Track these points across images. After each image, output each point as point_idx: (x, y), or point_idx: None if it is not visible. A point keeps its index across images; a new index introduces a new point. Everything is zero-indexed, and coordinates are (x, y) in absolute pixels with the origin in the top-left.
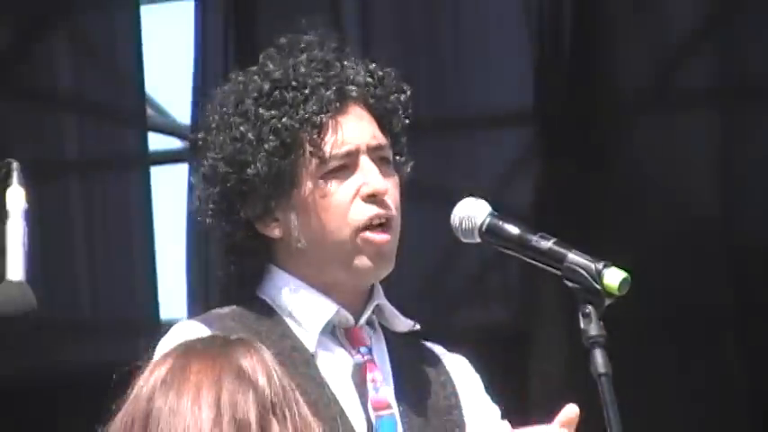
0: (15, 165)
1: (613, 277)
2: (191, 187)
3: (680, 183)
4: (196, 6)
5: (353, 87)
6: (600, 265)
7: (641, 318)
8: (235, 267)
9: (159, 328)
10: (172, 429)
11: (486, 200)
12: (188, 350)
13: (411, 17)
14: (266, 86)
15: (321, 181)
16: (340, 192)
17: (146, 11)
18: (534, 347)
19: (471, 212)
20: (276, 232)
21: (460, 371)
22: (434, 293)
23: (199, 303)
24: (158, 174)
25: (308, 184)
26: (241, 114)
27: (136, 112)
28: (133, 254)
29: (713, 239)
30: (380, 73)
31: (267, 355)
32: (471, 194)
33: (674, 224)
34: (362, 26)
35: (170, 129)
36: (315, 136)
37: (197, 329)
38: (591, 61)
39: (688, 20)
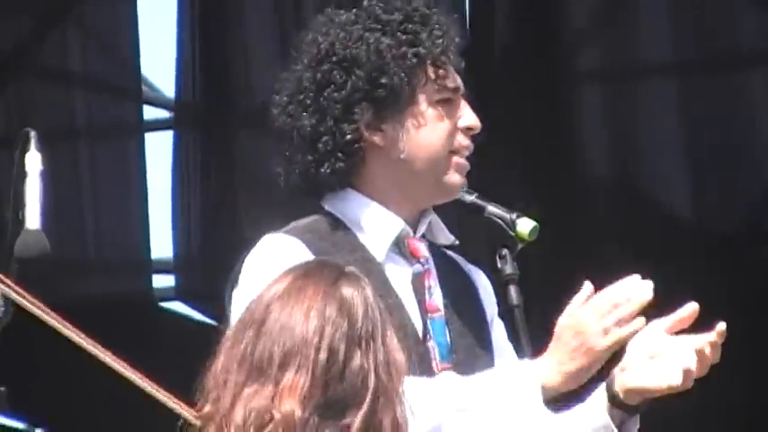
0: (33, 133)
1: (524, 225)
2: (176, 148)
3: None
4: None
5: (459, 42)
6: (513, 216)
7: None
8: (334, 166)
9: (151, 265)
10: (280, 339)
11: None
12: (307, 274)
13: None
14: (399, 17)
15: (432, 106)
16: (447, 118)
17: (141, 1)
18: None
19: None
20: (378, 140)
21: (485, 290)
22: None
23: (180, 246)
24: (151, 139)
25: (423, 105)
26: (380, 31)
27: (133, 88)
28: (130, 205)
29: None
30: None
31: (369, 291)
32: None
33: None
34: None
35: (160, 101)
36: (438, 67)
37: (283, 240)
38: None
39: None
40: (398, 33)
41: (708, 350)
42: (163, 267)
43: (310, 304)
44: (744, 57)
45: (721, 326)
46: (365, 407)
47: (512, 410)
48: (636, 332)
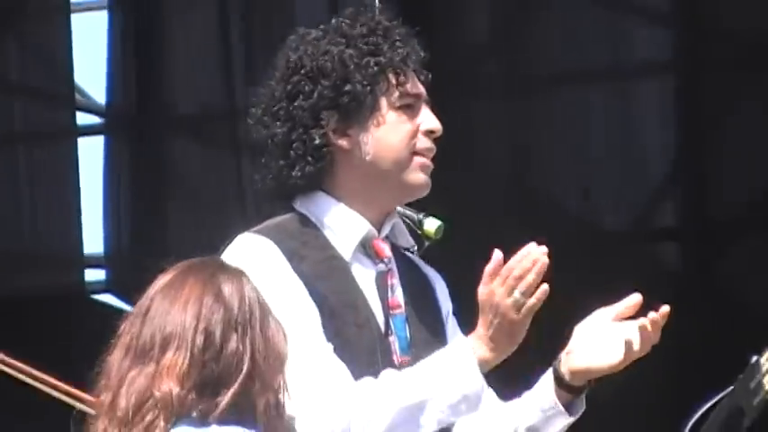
0: None
1: (431, 224)
2: (107, 151)
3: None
4: (109, 15)
5: (419, 52)
6: (420, 215)
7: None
8: (304, 169)
9: (83, 260)
10: (161, 324)
11: None
12: (189, 268)
13: None
14: (363, 30)
15: (394, 111)
16: (408, 122)
17: (75, 18)
18: None
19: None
20: (345, 144)
21: (441, 289)
22: None
23: (111, 242)
24: (83, 143)
25: (385, 110)
26: (344, 44)
27: (67, 95)
28: (64, 204)
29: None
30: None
31: (248, 284)
32: None
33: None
34: None
35: (92, 108)
36: (400, 75)
37: (255, 240)
38: None
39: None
40: (361, 45)
41: (649, 327)
42: (94, 262)
43: (190, 293)
44: (633, 66)
45: (665, 308)
46: (236, 386)
47: (460, 395)
48: (543, 298)
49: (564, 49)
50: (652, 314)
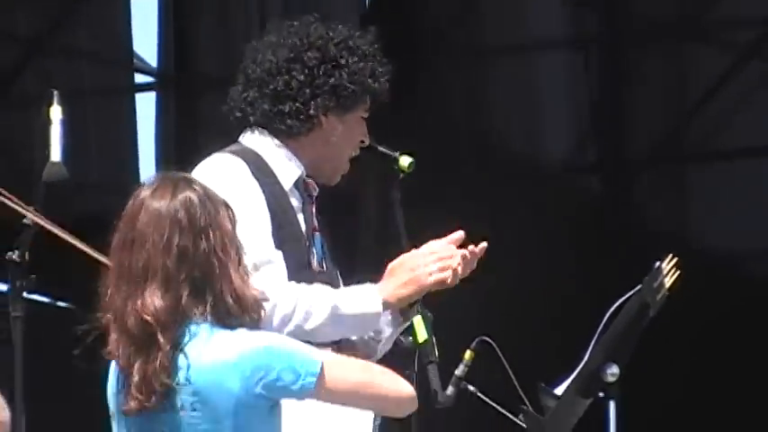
0: (55, 92)
1: (405, 161)
2: (158, 106)
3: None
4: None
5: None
6: (396, 153)
7: None
8: (290, 121)
9: (139, 185)
10: (142, 252)
11: None
12: (155, 189)
13: None
14: (369, 50)
15: (361, 119)
16: (362, 130)
17: None
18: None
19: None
20: (325, 122)
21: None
22: None
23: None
24: (138, 97)
25: (357, 114)
26: (355, 53)
27: (126, 59)
28: (124, 145)
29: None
30: None
31: (197, 189)
32: None
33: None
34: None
35: (145, 69)
36: (375, 97)
37: (231, 158)
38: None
39: None
40: (367, 65)
41: (469, 256)
42: None
43: (158, 219)
44: (565, 40)
45: (483, 244)
46: (216, 284)
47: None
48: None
49: (515, 24)
50: (472, 247)
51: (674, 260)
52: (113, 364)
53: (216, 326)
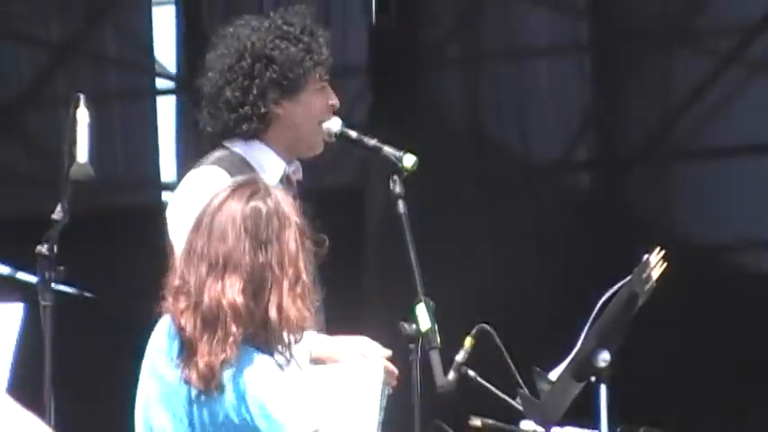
0: (82, 96)
1: (408, 160)
2: (178, 109)
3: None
4: (176, 9)
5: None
6: (400, 153)
7: None
8: (251, 125)
9: (160, 183)
10: (220, 246)
11: (341, 117)
12: (233, 191)
13: None
14: (298, 30)
15: (315, 92)
16: (322, 99)
17: (154, 9)
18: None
19: (332, 123)
20: (280, 111)
21: None
22: None
23: (181, 172)
24: (159, 101)
25: (309, 91)
26: (287, 40)
27: (149, 65)
28: (146, 145)
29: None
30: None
31: (272, 202)
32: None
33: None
34: None
35: (166, 75)
36: (322, 66)
37: (213, 170)
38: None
39: None
40: (298, 43)
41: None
42: (169, 186)
43: (234, 217)
44: (562, 45)
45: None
46: (270, 289)
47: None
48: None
49: (510, 32)
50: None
51: (662, 253)
52: (168, 323)
53: (247, 343)
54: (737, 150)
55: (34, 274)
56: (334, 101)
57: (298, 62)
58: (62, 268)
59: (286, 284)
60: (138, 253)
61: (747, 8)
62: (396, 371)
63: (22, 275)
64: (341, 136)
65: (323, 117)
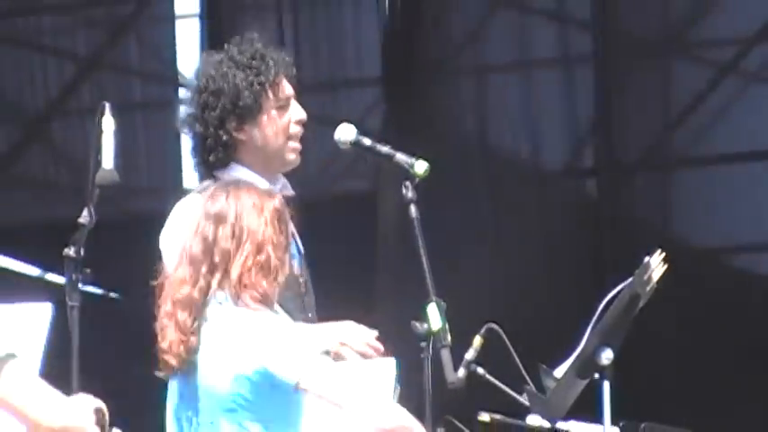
0: (108, 104)
1: (420, 166)
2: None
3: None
4: (200, 23)
5: (286, 64)
6: (412, 160)
7: None
8: (218, 155)
9: (183, 190)
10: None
11: (355, 125)
12: (213, 195)
13: None
14: (246, 57)
15: (274, 110)
16: (284, 117)
17: (177, 22)
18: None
19: (346, 131)
20: (242, 136)
21: None
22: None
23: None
24: (182, 109)
25: (268, 111)
26: (236, 68)
27: (172, 76)
28: (169, 152)
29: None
30: (289, 59)
31: (244, 198)
32: (347, 122)
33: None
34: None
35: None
36: (275, 87)
37: (198, 198)
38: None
39: None
40: (247, 69)
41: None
42: (189, 193)
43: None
44: (568, 58)
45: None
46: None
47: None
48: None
49: (516, 45)
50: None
51: (662, 255)
52: None
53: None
54: (735, 157)
55: (62, 275)
56: (299, 116)
57: (245, 87)
58: (88, 270)
59: (243, 257)
60: (159, 256)
61: (743, 21)
62: (381, 347)
63: (50, 276)
64: (355, 144)
65: (288, 134)
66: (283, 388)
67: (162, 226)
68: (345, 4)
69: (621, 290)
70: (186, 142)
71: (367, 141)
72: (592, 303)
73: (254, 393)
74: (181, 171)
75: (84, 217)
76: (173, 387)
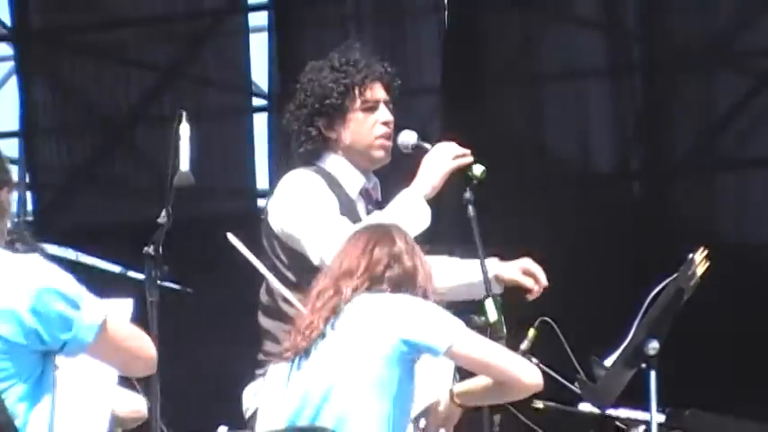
0: (184, 113)
1: (478, 169)
2: (269, 125)
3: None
4: (269, 36)
5: (378, 71)
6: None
7: None
8: (307, 150)
9: (256, 192)
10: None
11: (417, 131)
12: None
13: None
14: (342, 62)
15: (360, 112)
16: (370, 118)
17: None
18: None
19: (409, 136)
20: (332, 134)
21: None
22: None
23: (275, 177)
24: (255, 118)
25: (355, 112)
26: (327, 72)
27: (245, 86)
28: (243, 156)
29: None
30: (387, 66)
31: (407, 238)
32: (408, 128)
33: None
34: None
35: (260, 94)
36: (361, 88)
37: (308, 172)
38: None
39: None
40: (337, 72)
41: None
42: (263, 195)
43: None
44: (617, 66)
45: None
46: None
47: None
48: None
49: (567, 54)
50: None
51: (705, 252)
52: None
53: None
54: None
55: (142, 272)
56: (385, 117)
57: (332, 89)
58: (166, 267)
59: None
60: (233, 254)
61: None
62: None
63: (131, 274)
64: (417, 147)
65: (375, 132)
66: (419, 358)
67: (236, 226)
68: (408, 18)
69: (667, 285)
70: (260, 146)
71: (427, 145)
72: (638, 298)
73: (389, 369)
74: (254, 174)
75: (163, 217)
76: (276, 371)
